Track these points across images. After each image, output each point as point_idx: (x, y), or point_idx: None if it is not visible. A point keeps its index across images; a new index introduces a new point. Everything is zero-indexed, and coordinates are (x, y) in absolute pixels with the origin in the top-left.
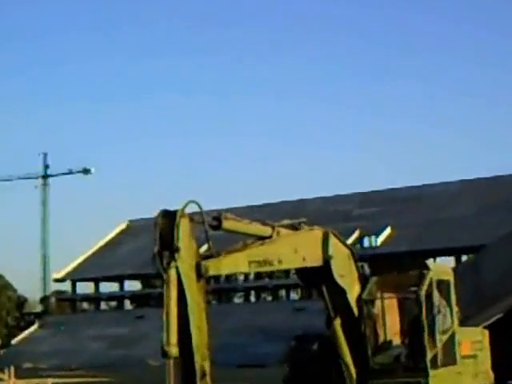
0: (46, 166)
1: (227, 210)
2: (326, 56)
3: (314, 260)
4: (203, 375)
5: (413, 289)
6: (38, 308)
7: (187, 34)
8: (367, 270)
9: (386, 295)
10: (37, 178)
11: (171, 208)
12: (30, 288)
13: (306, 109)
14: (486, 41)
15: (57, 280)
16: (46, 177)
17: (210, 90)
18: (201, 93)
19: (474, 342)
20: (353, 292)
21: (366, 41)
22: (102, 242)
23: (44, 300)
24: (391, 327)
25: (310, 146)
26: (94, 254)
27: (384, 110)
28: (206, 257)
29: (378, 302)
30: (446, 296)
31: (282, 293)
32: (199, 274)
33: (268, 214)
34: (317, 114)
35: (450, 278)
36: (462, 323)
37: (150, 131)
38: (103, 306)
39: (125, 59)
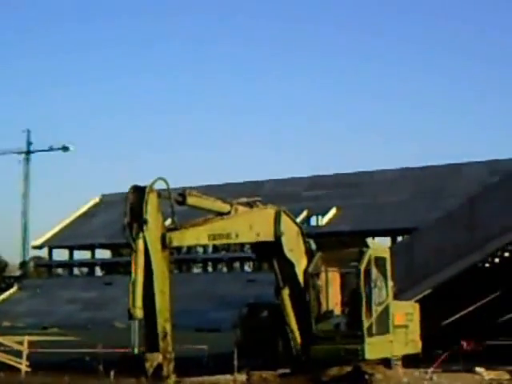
0: (29, 143)
1: (191, 188)
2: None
3: (267, 235)
4: (165, 336)
5: (353, 264)
6: (18, 272)
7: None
8: (313, 246)
9: (330, 269)
10: (20, 153)
11: (141, 184)
12: (11, 253)
13: (268, 92)
14: None
15: (35, 247)
16: (28, 153)
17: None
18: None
19: (406, 313)
20: (300, 265)
21: None
22: (76, 214)
23: (23, 265)
24: (333, 298)
25: (267, 130)
26: (69, 225)
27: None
28: (171, 229)
29: (322, 275)
30: (382, 272)
31: (237, 265)
32: (164, 244)
33: (227, 192)
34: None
35: (387, 255)
36: (396, 296)
37: (125, 111)
38: (76, 271)
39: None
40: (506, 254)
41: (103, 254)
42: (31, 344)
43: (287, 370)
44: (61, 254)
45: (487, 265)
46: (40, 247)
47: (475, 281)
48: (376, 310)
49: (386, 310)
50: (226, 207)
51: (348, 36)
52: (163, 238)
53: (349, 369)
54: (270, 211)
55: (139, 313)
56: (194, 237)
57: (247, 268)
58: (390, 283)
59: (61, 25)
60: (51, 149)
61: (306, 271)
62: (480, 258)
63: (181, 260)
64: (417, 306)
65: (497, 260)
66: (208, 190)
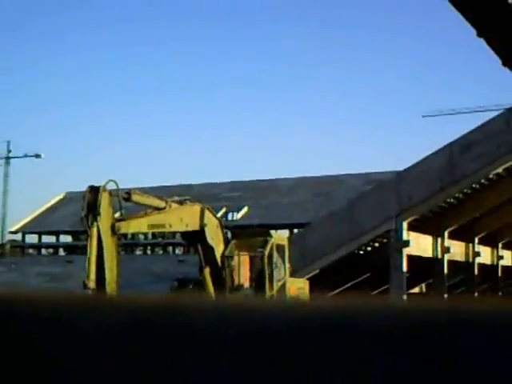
0: (9, 151)
1: (136, 189)
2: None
3: (194, 226)
4: None
5: (260, 250)
6: None
7: None
8: (230, 235)
9: (241, 253)
10: (1, 159)
11: (97, 184)
12: None
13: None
14: None
15: (12, 232)
16: (8, 158)
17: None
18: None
19: (298, 288)
20: (219, 250)
21: None
22: (45, 207)
23: (1, 246)
24: (243, 276)
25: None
26: (39, 215)
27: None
28: (119, 220)
29: (235, 258)
30: (281, 256)
31: (170, 249)
32: (113, 231)
33: (164, 192)
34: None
35: (285, 243)
36: (292, 275)
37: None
38: (44, 252)
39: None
40: (376, 244)
41: (66, 238)
42: None
43: None
44: (32, 238)
45: (361, 252)
46: (15, 232)
47: (352, 264)
48: (276, 284)
49: (283, 285)
50: (162, 204)
51: None
52: (113, 226)
53: None
54: (197, 208)
55: (92, 284)
56: (137, 226)
57: (178, 251)
58: (288, 265)
59: None
60: (26, 156)
61: (223, 255)
62: (356, 246)
63: (126, 244)
64: (307, 282)
65: (369, 248)
66: (151, 191)
